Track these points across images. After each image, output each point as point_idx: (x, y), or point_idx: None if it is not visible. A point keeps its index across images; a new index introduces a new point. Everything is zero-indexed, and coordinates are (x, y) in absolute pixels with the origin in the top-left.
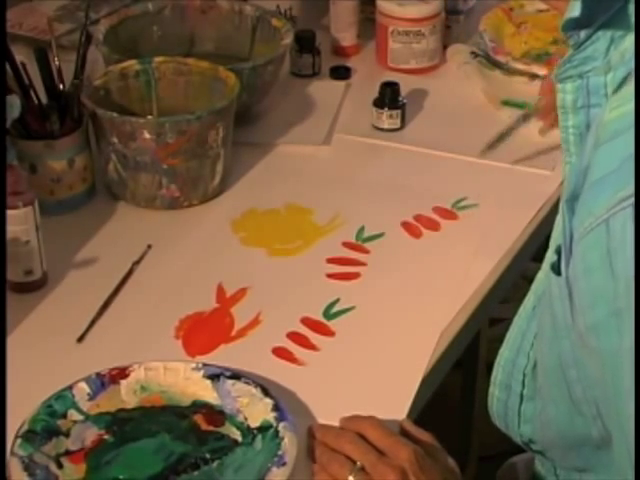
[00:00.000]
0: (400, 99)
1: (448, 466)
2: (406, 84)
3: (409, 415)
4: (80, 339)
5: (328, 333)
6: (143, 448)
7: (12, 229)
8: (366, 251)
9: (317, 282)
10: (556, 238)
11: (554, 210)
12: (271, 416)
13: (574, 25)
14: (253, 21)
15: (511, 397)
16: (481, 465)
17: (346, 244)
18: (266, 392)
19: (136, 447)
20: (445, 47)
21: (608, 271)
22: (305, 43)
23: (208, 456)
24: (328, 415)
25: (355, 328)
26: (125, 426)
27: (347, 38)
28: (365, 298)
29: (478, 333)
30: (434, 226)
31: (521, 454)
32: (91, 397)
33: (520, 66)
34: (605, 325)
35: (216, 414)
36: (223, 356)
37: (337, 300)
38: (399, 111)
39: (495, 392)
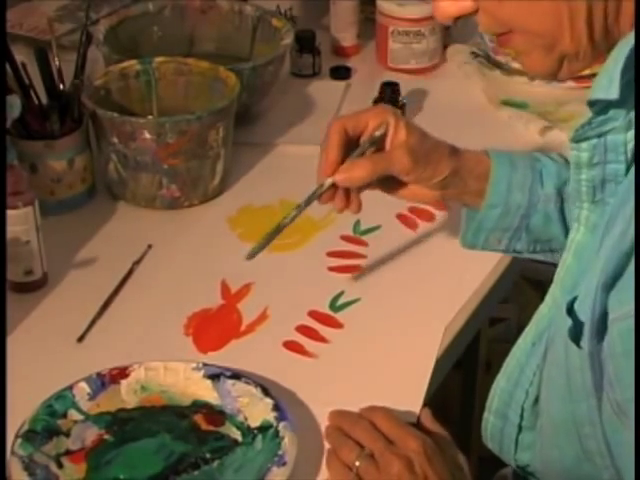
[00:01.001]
0: (400, 99)
1: (457, 461)
2: (406, 84)
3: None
4: (80, 339)
5: (336, 325)
6: (143, 448)
7: (12, 229)
8: (364, 244)
9: (320, 275)
10: (570, 285)
11: None
12: (271, 416)
13: (606, 104)
14: (253, 21)
15: (507, 426)
16: (481, 465)
17: (344, 237)
18: (266, 392)
19: (136, 447)
20: (445, 47)
21: None
22: (305, 43)
23: (208, 456)
24: (343, 405)
25: (362, 319)
26: (125, 426)
27: (347, 38)
28: (369, 290)
29: (478, 333)
30: (429, 217)
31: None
32: (91, 397)
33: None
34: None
35: (216, 414)
36: (234, 351)
37: (342, 292)
38: (399, 111)
39: (490, 418)
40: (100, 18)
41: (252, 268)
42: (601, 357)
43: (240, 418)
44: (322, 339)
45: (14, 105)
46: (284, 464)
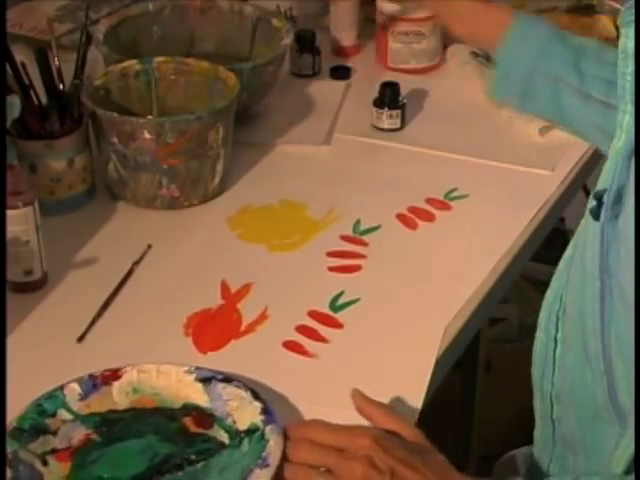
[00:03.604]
0: (400, 99)
1: (411, 437)
2: (406, 84)
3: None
4: (80, 339)
5: (336, 325)
6: (129, 448)
7: (12, 229)
8: (364, 244)
9: (320, 276)
10: (600, 184)
11: (554, 210)
12: (259, 419)
13: None
14: (253, 21)
15: (550, 341)
16: (481, 465)
17: (344, 237)
18: (256, 395)
19: (122, 447)
20: (445, 47)
21: None
22: (305, 43)
23: (193, 457)
24: (344, 405)
25: (362, 319)
26: (114, 426)
27: (347, 38)
28: (369, 289)
29: (478, 333)
30: (429, 217)
31: (520, 448)
32: (82, 397)
33: None
34: None
35: (206, 417)
36: (234, 351)
37: (342, 292)
38: (399, 111)
39: (540, 335)
40: (100, 18)
41: (252, 268)
42: (611, 235)
43: (229, 421)
44: (322, 339)
45: (14, 105)
46: (267, 466)
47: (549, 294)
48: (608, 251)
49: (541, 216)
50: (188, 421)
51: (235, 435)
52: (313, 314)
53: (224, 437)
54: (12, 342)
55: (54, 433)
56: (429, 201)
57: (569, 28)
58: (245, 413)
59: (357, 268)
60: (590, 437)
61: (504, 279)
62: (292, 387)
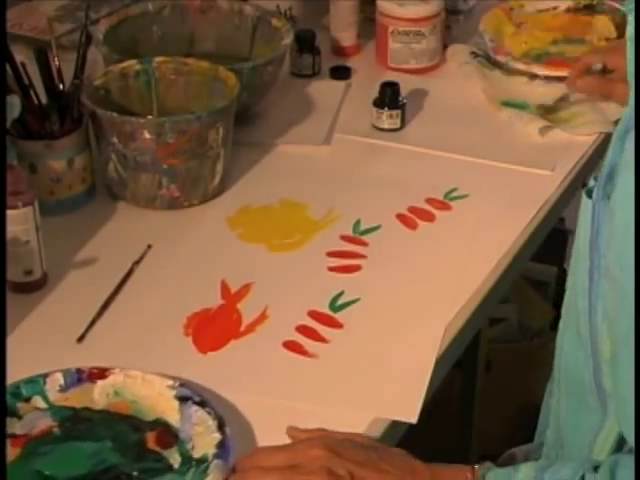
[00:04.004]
0: (400, 99)
1: (364, 440)
2: (406, 84)
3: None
4: (80, 339)
5: (336, 325)
6: (80, 449)
7: (12, 229)
8: (364, 244)
9: (320, 276)
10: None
11: (554, 210)
12: (211, 451)
13: None
14: (253, 21)
15: (561, 322)
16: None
17: (344, 237)
18: (221, 426)
19: (75, 446)
20: (445, 47)
21: None
22: (305, 43)
23: (135, 474)
24: (344, 405)
25: (362, 319)
26: (79, 424)
27: (347, 38)
28: (369, 289)
29: (478, 333)
30: (429, 217)
31: (520, 446)
32: (62, 389)
33: (520, 66)
34: (631, 259)
35: (170, 436)
36: (234, 351)
37: (342, 293)
38: (399, 111)
39: (562, 316)
40: (100, 18)
41: (252, 268)
42: (602, 214)
43: (188, 446)
44: (322, 339)
45: (14, 105)
46: None
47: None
48: (599, 230)
49: (541, 216)
50: (150, 436)
51: (187, 461)
52: (313, 314)
53: (176, 461)
54: (12, 342)
55: (20, 417)
56: (429, 201)
57: (569, 28)
58: (203, 442)
59: (357, 268)
60: (575, 424)
61: (504, 279)
62: (292, 387)
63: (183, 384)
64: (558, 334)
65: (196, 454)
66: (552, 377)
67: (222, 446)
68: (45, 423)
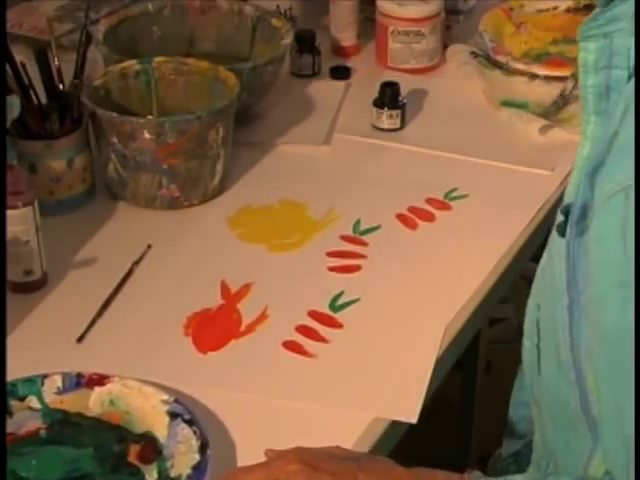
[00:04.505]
0: (400, 99)
1: (342, 451)
2: (406, 84)
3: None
4: (80, 339)
5: (336, 325)
6: (60, 454)
7: (12, 229)
8: (364, 244)
9: (320, 276)
10: (566, 197)
11: (554, 210)
12: (186, 472)
13: None
14: (253, 21)
15: (533, 349)
16: (481, 465)
17: (344, 237)
18: (203, 447)
19: (55, 451)
20: (445, 47)
21: (620, 241)
22: (305, 43)
23: None
24: (344, 405)
25: (362, 319)
26: (66, 428)
27: (347, 38)
28: (369, 290)
29: (478, 333)
30: (429, 217)
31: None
32: (59, 392)
33: (520, 66)
34: (609, 297)
35: (153, 452)
36: (234, 351)
37: (342, 292)
38: (399, 111)
39: (525, 342)
40: (100, 18)
41: (252, 268)
42: (577, 252)
43: (168, 464)
44: (322, 339)
45: (14, 105)
46: None
47: (530, 301)
48: (575, 268)
49: (541, 216)
50: (134, 449)
51: (163, 479)
52: (313, 314)
53: (152, 477)
54: (12, 342)
55: (10, 415)
56: (429, 201)
57: (569, 28)
58: (182, 461)
59: (357, 268)
60: (566, 447)
61: (504, 279)
62: (292, 387)
63: (178, 400)
64: (529, 354)
65: (173, 474)
66: (532, 395)
67: (197, 468)
68: (34, 424)
